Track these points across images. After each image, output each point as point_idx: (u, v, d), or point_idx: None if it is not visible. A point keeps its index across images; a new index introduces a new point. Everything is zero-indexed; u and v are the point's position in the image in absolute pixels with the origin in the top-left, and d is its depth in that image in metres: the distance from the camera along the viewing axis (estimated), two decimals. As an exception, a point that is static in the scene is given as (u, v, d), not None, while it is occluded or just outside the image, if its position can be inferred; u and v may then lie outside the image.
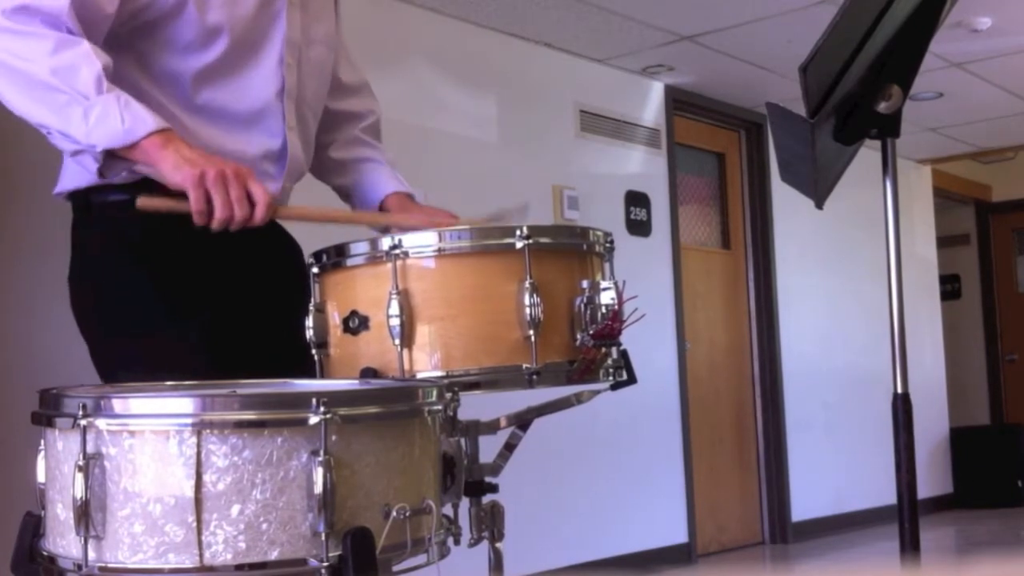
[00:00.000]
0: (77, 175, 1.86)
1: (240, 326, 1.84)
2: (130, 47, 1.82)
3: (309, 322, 1.73)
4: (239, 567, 1.21)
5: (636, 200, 5.63)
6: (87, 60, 1.65)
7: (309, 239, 1.96)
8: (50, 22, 1.68)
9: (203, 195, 1.62)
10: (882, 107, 1.84)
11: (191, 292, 1.81)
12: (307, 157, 2.02)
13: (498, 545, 1.75)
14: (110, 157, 1.68)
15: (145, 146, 1.65)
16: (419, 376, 1.61)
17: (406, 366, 1.62)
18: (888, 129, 1.87)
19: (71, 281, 1.90)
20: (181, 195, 1.66)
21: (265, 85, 1.90)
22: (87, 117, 1.63)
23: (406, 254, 1.62)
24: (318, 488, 1.21)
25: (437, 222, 1.91)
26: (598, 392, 1.77)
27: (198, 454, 1.21)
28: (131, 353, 1.80)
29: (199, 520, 1.21)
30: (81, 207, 1.88)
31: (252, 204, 1.65)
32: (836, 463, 6.78)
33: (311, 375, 1.76)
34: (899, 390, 1.88)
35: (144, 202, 1.66)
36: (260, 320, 1.89)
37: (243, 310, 1.86)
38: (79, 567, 1.24)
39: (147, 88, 1.82)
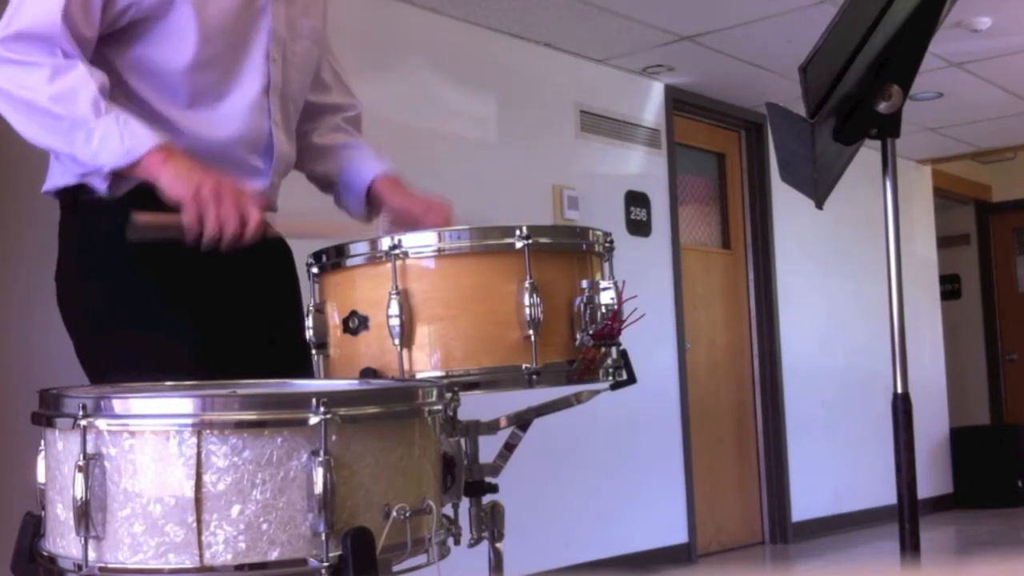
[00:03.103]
0: (63, 174, 1.86)
1: (229, 324, 1.84)
2: (119, 47, 1.82)
3: (309, 322, 1.73)
4: (239, 567, 1.21)
5: (636, 200, 5.63)
6: (83, 83, 1.71)
7: (308, 239, 1.96)
8: (45, 47, 1.73)
9: (195, 214, 1.66)
10: (882, 107, 1.84)
11: (179, 289, 1.81)
12: (292, 151, 2.02)
13: (498, 545, 1.75)
14: (116, 176, 1.74)
15: (146, 164, 1.70)
16: (419, 376, 1.61)
17: (406, 366, 1.62)
18: (888, 129, 1.87)
19: (58, 279, 1.90)
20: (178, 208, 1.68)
21: (251, 81, 1.90)
22: (89, 140, 1.69)
23: (406, 254, 1.62)
24: (318, 488, 1.21)
25: (429, 218, 1.93)
26: (598, 392, 1.78)
27: (198, 454, 1.21)
28: (118, 351, 1.79)
29: (199, 520, 1.21)
30: (68, 205, 1.89)
31: (244, 222, 1.68)
32: (836, 463, 6.78)
33: (301, 374, 1.76)
34: (899, 390, 1.88)
35: (141, 219, 1.70)
36: (249, 318, 1.89)
37: (232, 308, 1.86)
38: (79, 567, 1.24)
39: (136, 87, 1.83)
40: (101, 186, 1.76)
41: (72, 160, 1.74)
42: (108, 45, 1.82)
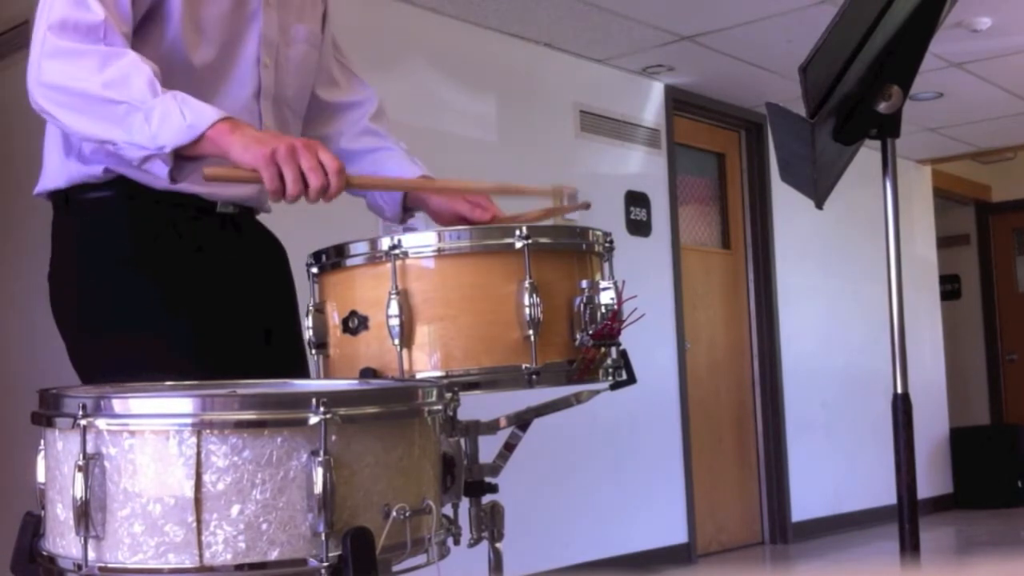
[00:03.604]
0: (57, 175, 1.85)
1: (224, 325, 1.83)
2: None
3: (308, 322, 1.73)
4: (239, 567, 1.21)
5: (636, 200, 5.63)
6: (136, 68, 1.66)
7: (308, 239, 1.96)
8: (91, 35, 1.69)
9: (276, 172, 1.61)
10: (882, 107, 1.84)
11: (175, 290, 1.80)
12: None
13: (498, 545, 1.75)
14: (179, 159, 1.67)
15: (211, 136, 1.63)
16: (419, 376, 1.61)
17: (406, 366, 1.62)
18: (888, 129, 1.87)
19: (51, 279, 1.89)
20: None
21: (241, 85, 1.89)
22: (149, 121, 1.63)
23: (405, 254, 1.62)
24: (318, 488, 1.21)
25: (482, 208, 1.92)
26: (598, 392, 1.77)
27: (198, 454, 1.21)
28: (114, 351, 1.78)
29: (199, 520, 1.21)
30: (61, 206, 1.88)
31: (325, 173, 1.63)
32: (836, 463, 6.78)
33: (296, 375, 1.75)
34: (899, 390, 1.88)
35: (212, 171, 1.64)
36: (244, 319, 1.88)
37: (227, 309, 1.85)
38: (79, 567, 1.24)
39: None
40: (162, 171, 1.68)
41: (132, 147, 1.66)
42: None
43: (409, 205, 2.05)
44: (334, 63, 2.14)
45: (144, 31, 1.80)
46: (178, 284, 1.81)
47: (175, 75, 1.81)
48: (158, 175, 1.71)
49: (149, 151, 1.66)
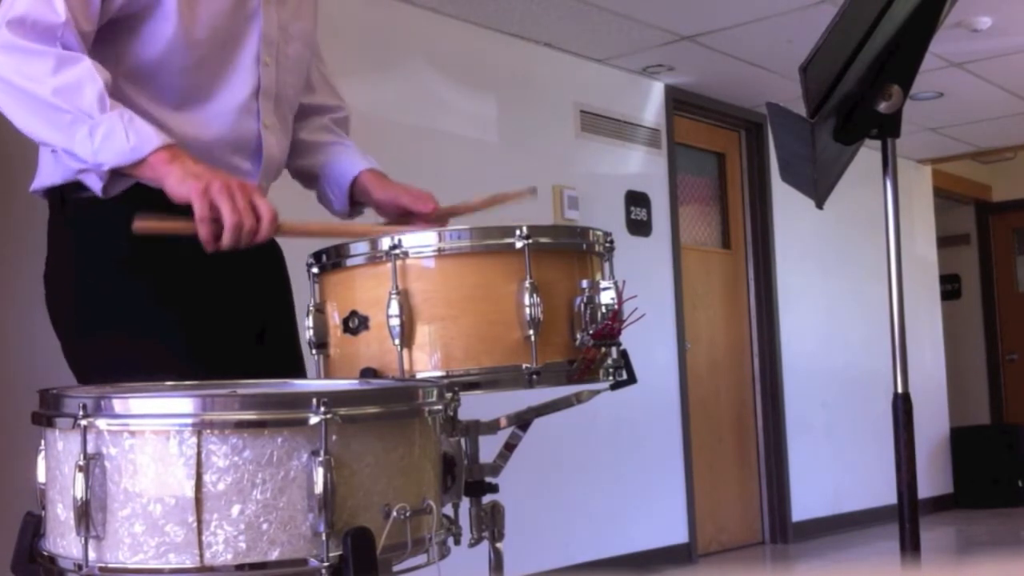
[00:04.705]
0: (52, 172, 1.84)
1: (219, 325, 1.83)
2: (110, 44, 1.80)
3: (309, 322, 1.73)
4: (239, 567, 1.21)
5: (636, 200, 5.63)
6: (89, 78, 1.66)
7: (308, 239, 1.96)
8: (47, 35, 1.68)
9: (207, 205, 1.61)
10: (882, 107, 1.84)
11: (170, 290, 1.80)
12: (284, 154, 2.01)
13: (498, 545, 1.75)
14: (115, 175, 1.68)
15: (152, 162, 1.65)
16: (419, 376, 1.61)
17: (406, 366, 1.62)
18: (888, 129, 1.87)
19: (46, 279, 1.89)
20: (183, 213, 1.63)
21: (241, 84, 1.88)
22: (92, 136, 1.64)
23: (406, 254, 1.62)
24: (318, 488, 1.22)
25: (429, 217, 1.92)
26: (598, 392, 1.78)
27: (198, 454, 1.21)
28: (108, 352, 1.78)
29: (199, 520, 1.21)
30: (56, 205, 1.87)
31: (258, 217, 1.63)
32: (836, 463, 6.78)
33: (293, 375, 1.75)
34: (899, 390, 1.89)
35: (141, 224, 1.63)
36: (240, 319, 1.88)
37: (223, 309, 1.85)
38: (79, 567, 1.24)
39: (125, 87, 1.80)
40: (96, 185, 1.71)
41: (70, 156, 1.68)
42: (99, 42, 1.80)
43: (356, 199, 2.06)
44: (313, 68, 2.14)
45: (141, 29, 1.79)
46: (174, 284, 1.81)
47: (173, 74, 1.80)
48: (91, 187, 1.72)
49: (87, 165, 1.67)
